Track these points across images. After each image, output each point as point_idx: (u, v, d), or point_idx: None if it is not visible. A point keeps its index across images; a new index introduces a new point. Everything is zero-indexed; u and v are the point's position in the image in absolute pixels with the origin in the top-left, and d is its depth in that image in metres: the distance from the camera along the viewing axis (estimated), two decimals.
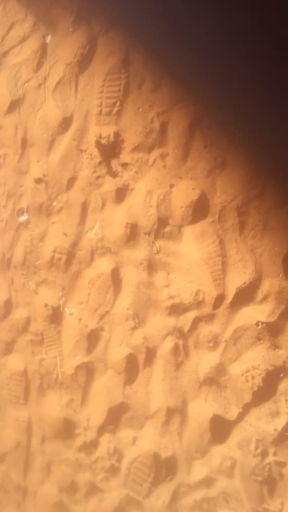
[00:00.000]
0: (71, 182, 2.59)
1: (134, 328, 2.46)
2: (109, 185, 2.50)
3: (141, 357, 2.44)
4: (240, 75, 2.19)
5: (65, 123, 2.56)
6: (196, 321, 2.34)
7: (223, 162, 2.25)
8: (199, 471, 2.33)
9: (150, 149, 2.39)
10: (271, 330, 2.21)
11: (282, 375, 2.20)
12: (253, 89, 2.17)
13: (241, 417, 2.26)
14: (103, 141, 2.45)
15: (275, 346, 2.21)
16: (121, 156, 2.45)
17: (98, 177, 2.52)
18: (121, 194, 2.48)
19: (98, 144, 2.47)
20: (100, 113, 2.47)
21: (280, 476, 2.19)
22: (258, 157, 2.20)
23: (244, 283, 2.24)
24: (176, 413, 2.37)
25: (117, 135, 2.44)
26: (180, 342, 2.36)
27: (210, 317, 2.31)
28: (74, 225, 2.59)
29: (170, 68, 2.32)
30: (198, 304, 2.32)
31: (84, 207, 2.57)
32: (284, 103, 2.13)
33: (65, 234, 2.60)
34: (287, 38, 2.09)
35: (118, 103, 2.42)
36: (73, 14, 2.53)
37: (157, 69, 2.34)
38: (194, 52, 2.26)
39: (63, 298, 2.64)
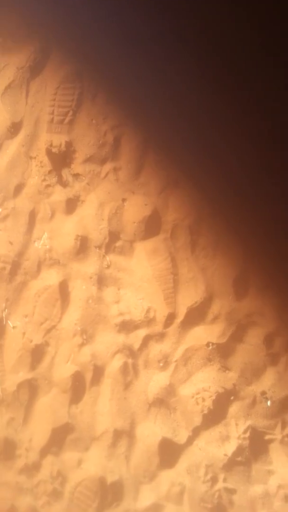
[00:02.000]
0: (18, 188, 2.50)
1: (82, 345, 2.40)
2: (59, 194, 2.45)
3: (88, 375, 2.38)
4: (196, 95, 2.21)
5: (14, 127, 2.47)
6: (146, 339, 2.33)
7: (176, 180, 2.26)
8: (146, 497, 2.29)
9: (102, 162, 2.37)
10: (222, 352, 2.23)
11: (232, 398, 2.21)
12: (209, 108, 2.17)
13: (190, 441, 2.26)
14: (54, 150, 2.40)
15: (226, 368, 2.22)
16: (72, 166, 2.41)
17: (47, 185, 2.46)
18: (71, 205, 2.44)
19: (48, 152, 2.42)
20: (51, 121, 2.41)
21: (230, 503, 2.20)
22: (211, 177, 2.22)
23: (195, 302, 2.25)
24: (123, 435, 2.33)
25: (69, 144, 2.39)
26: (130, 361, 2.33)
27: (161, 336, 2.30)
28: (20, 233, 2.50)
29: (123, 84, 2.31)
30: (149, 322, 2.31)
31: (32, 215, 2.49)
32: (245, 121, 2.15)
33: (11, 243, 2.51)
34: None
35: (71, 112, 2.38)
36: (26, 19, 2.45)
37: (110, 83, 2.33)
38: (149, 70, 2.27)
39: (6, 310, 2.54)
